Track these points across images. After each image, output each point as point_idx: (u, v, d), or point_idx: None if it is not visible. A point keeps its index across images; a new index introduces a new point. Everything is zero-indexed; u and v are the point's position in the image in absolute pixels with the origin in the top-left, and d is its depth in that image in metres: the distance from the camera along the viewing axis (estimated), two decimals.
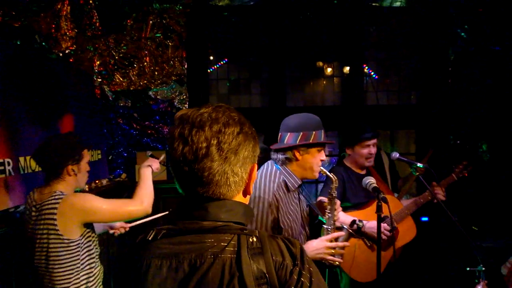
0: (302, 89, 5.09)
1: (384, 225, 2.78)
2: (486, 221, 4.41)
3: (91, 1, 4.46)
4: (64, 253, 1.94)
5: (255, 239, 0.97)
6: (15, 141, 2.90)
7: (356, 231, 2.78)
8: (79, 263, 1.99)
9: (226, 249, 0.95)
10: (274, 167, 2.13)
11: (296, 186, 2.12)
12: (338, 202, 2.15)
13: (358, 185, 2.92)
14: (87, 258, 2.04)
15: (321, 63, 5.12)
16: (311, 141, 2.07)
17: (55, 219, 1.92)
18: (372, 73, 5.13)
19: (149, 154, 3.68)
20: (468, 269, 2.44)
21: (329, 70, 5.14)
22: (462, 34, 4.71)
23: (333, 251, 2.01)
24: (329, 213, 2.12)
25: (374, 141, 2.98)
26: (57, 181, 2.06)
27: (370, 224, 2.77)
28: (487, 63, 4.67)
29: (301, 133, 2.08)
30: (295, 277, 0.94)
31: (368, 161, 2.98)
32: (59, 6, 4.26)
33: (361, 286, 2.88)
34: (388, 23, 4.96)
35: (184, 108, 4.64)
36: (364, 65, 5.08)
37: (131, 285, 1.00)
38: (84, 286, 2.02)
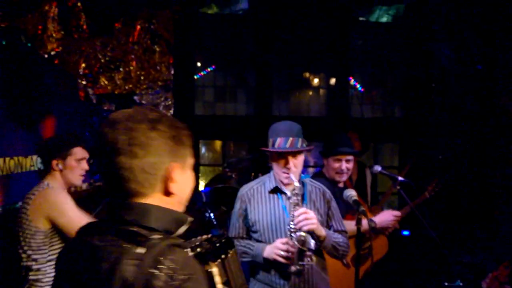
0: (288, 99, 5.13)
1: (390, 212, 2.84)
2: (465, 237, 4.47)
3: (79, 4, 4.44)
4: (32, 241, 2.01)
5: (141, 251, 0.96)
6: None
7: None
8: (46, 253, 2.04)
9: (112, 255, 0.98)
10: (270, 173, 2.29)
11: (271, 187, 2.24)
12: (302, 209, 2.10)
13: (336, 193, 2.91)
14: (51, 257, 2.04)
15: (307, 74, 5.17)
16: (269, 147, 2.18)
17: (29, 204, 2.02)
18: (358, 85, 5.19)
19: None
20: (446, 284, 2.46)
21: (315, 81, 5.19)
22: (446, 51, 4.81)
23: (282, 253, 2.05)
24: (291, 217, 2.13)
25: (350, 157, 2.78)
26: (46, 174, 2.14)
27: (381, 220, 2.79)
28: (469, 80, 4.77)
29: (270, 139, 2.20)
30: None
31: (339, 176, 2.80)
32: (46, 7, 4.23)
33: None
34: (374, 37, 5.05)
35: (169, 113, 4.63)
36: (350, 78, 5.14)
37: None
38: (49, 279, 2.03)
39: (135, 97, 4.59)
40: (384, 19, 4.80)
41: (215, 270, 1.06)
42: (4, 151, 2.95)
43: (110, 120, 1.04)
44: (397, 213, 2.82)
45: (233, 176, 3.76)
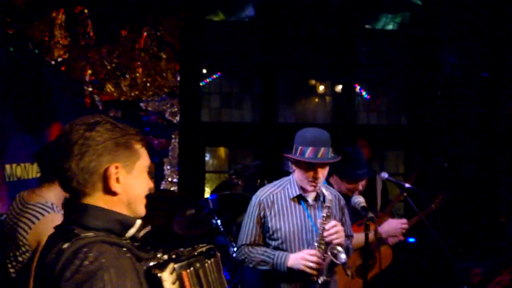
0: (294, 106, 5.13)
1: (397, 221, 2.79)
2: (472, 243, 4.45)
3: (86, 11, 4.46)
4: (23, 257, 1.88)
5: (65, 245, 1.04)
6: (2, 148, 2.85)
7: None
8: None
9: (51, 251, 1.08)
10: (290, 177, 2.25)
11: (294, 194, 2.20)
12: (333, 222, 2.12)
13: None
14: None
15: (313, 81, 5.18)
16: (297, 155, 2.14)
17: (30, 228, 1.87)
18: (364, 93, 5.19)
19: None
20: None
21: (321, 88, 5.19)
22: (451, 59, 4.82)
23: (311, 265, 2.05)
24: (321, 229, 2.13)
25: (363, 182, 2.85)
26: (49, 185, 1.96)
27: (387, 230, 2.75)
28: (475, 88, 4.77)
29: (299, 146, 2.16)
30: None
31: (351, 193, 2.78)
32: (54, 14, 4.25)
33: None
34: (380, 45, 5.06)
35: (175, 120, 4.63)
36: (356, 85, 5.15)
37: None
38: None
39: (141, 104, 4.59)
40: (390, 27, 4.81)
41: (164, 275, 1.07)
42: (11, 158, 2.95)
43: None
44: (404, 221, 2.79)
45: (240, 182, 3.76)
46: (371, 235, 2.52)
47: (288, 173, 4.22)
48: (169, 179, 4.57)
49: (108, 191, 1.11)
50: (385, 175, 3.11)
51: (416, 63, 5.05)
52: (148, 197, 1.21)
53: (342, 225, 2.25)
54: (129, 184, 1.14)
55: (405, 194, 3.07)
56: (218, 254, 1.28)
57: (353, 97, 5.10)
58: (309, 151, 2.11)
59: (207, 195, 4.82)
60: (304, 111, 5.13)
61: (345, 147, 3.02)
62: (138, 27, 4.58)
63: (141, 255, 1.11)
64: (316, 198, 2.25)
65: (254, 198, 2.23)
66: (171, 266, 1.09)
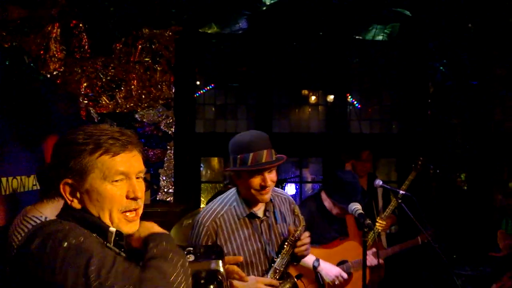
0: (287, 116, 5.19)
1: (340, 271, 2.62)
2: (464, 249, 4.49)
3: (81, 25, 4.51)
4: None
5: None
6: None
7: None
8: None
9: None
10: (234, 192, 1.98)
11: (243, 214, 1.92)
12: (303, 247, 1.94)
13: (328, 222, 2.89)
14: None
15: (306, 91, 5.25)
16: (237, 166, 1.87)
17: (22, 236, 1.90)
18: (355, 102, 5.27)
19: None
20: None
21: (313, 98, 5.27)
22: (441, 68, 4.92)
23: None
24: (284, 254, 1.95)
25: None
26: (47, 201, 2.02)
27: (327, 269, 2.60)
28: (465, 96, 4.87)
29: (232, 157, 1.91)
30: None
31: (341, 216, 2.84)
32: (49, 28, 4.29)
33: None
34: (371, 55, 5.15)
35: (170, 132, 4.66)
36: (348, 94, 5.23)
37: None
38: None
39: (136, 116, 4.62)
40: (380, 38, 4.91)
41: None
42: (6, 171, 2.95)
43: None
44: (345, 275, 2.63)
45: None
46: (309, 260, 2.45)
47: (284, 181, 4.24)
48: (165, 190, 4.58)
49: (77, 198, 1.09)
50: (379, 182, 3.15)
51: (406, 72, 5.15)
52: (144, 207, 1.13)
53: (295, 229, 2.03)
54: (86, 199, 1.08)
55: (399, 201, 3.11)
56: (224, 283, 1.17)
57: (346, 106, 5.17)
58: (251, 158, 1.82)
59: (203, 205, 4.85)
60: (298, 120, 5.20)
61: (344, 172, 3.00)
62: (133, 40, 4.63)
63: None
64: (266, 211, 1.98)
65: (196, 224, 1.90)
66: None
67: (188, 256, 1.16)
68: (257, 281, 1.83)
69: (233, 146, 1.91)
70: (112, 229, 1.07)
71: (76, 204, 1.09)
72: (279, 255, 1.94)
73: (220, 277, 1.16)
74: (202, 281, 1.12)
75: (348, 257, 2.95)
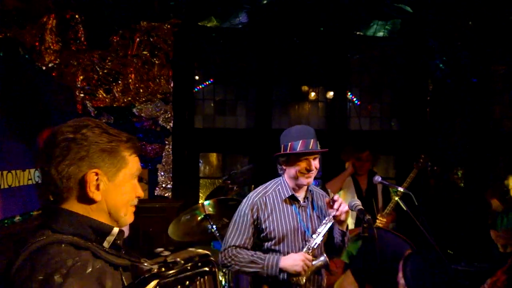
0: (287, 112, 5.15)
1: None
2: (460, 245, 4.51)
3: (77, 16, 4.42)
4: None
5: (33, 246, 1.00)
6: None
7: None
8: None
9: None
10: (281, 178, 2.29)
11: (286, 195, 2.23)
12: (341, 207, 2.15)
13: None
14: None
15: (306, 88, 5.21)
16: (288, 151, 2.17)
17: None
18: (355, 99, 5.25)
19: None
20: None
21: (313, 94, 5.24)
22: (441, 65, 4.91)
23: (305, 268, 2.10)
24: (318, 234, 2.20)
25: None
26: None
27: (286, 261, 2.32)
28: (464, 94, 4.86)
29: (283, 144, 2.22)
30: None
31: None
32: (44, 19, 4.20)
33: None
34: (371, 52, 5.13)
35: (168, 126, 4.60)
36: (348, 91, 5.20)
37: None
38: None
39: (134, 110, 4.55)
40: (381, 34, 4.88)
41: None
42: (1, 164, 2.88)
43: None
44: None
45: (235, 188, 3.75)
46: None
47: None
48: (163, 185, 4.53)
49: (86, 197, 1.07)
50: (378, 178, 3.17)
51: (406, 69, 5.13)
52: (142, 203, 1.19)
53: (326, 218, 2.31)
54: (111, 192, 1.09)
55: (397, 198, 3.13)
56: (215, 270, 1.16)
57: (345, 103, 5.15)
58: (300, 144, 2.16)
59: (201, 200, 4.79)
60: (298, 117, 5.16)
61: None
62: (131, 33, 4.55)
63: (118, 261, 1.06)
64: (306, 198, 2.29)
65: (246, 200, 2.25)
66: (153, 283, 1.01)
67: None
68: (302, 255, 2.13)
69: (284, 135, 2.23)
70: (116, 229, 1.10)
71: (97, 196, 1.07)
72: (313, 236, 2.20)
73: (212, 259, 1.18)
74: (199, 264, 1.12)
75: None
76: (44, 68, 4.21)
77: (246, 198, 2.27)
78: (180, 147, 4.65)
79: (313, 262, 2.16)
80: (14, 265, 0.97)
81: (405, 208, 3.07)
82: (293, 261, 2.11)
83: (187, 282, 1.08)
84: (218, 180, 4.94)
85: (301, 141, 2.16)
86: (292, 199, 2.26)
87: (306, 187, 2.29)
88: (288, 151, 2.18)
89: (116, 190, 1.11)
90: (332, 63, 5.00)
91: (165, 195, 4.52)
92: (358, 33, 4.89)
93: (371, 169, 4.02)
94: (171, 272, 1.05)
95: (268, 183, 2.32)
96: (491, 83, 4.90)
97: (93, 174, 1.06)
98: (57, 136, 1.05)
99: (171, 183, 4.53)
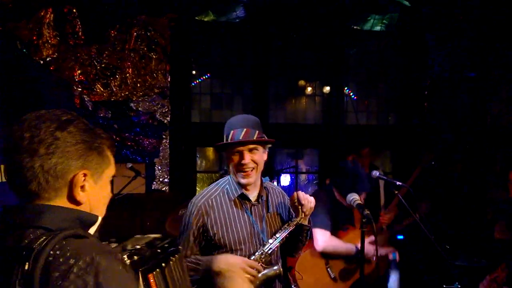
0: (284, 107, 5.15)
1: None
2: (458, 240, 4.52)
3: (74, 10, 4.42)
4: None
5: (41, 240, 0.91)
6: None
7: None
8: None
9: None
10: (229, 176, 2.01)
11: (235, 195, 1.94)
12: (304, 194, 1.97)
13: (340, 213, 2.97)
14: None
15: (303, 82, 5.21)
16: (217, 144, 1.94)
17: None
18: (351, 94, 5.25)
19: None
20: (444, 286, 2.49)
21: (310, 89, 5.24)
22: (439, 59, 4.90)
23: (248, 276, 1.81)
24: (275, 239, 1.95)
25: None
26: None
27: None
28: (462, 88, 4.86)
29: (224, 134, 1.96)
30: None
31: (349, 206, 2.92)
32: (42, 13, 4.20)
33: None
34: (368, 46, 5.13)
35: (166, 121, 4.61)
36: (344, 86, 5.20)
37: None
38: None
39: (132, 104, 4.56)
40: (378, 28, 4.87)
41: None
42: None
43: (21, 118, 1.00)
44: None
45: None
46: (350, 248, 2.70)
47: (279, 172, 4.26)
48: (160, 179, 4.55)
49: (71, 199, 1.01)
50: (376, 173, 3.16)
51: (403, 63, 5.13)
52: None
53: (290, 215, 2.09)
54: (94, 194, 1.05)
55: (396, 192, 3.13)
56: (180, 247, 1.23)
57: (342, 97, 5.15)
58: (231, 134, 1.90)
59: None
60: (295, 111, 5.16)
61: (346, 162, 3.06)
62: (128, 27, 4.55)
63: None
64: (259, 197, 2.01)
65: (189, 206, 1.95)
66: (156, 270, 1.05)
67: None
68: (242, 261, 1.85)
69: (225, 126, 1.97)
70: (100, 218, 1.08)
71: (82, 198, 1.02)
72: (269, 240, 1.94)
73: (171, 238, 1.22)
74: (166, 245, 1.16)
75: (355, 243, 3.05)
76: (41, 62, 4.22)
77: (190, 203, 1.96)
78: (177, 141, 4.66)
79: (264, 271, 1.87)
80: (35, 271, 0.88)
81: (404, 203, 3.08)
82: (226, 264, 1.80)
83: (163, 264, 1.09)
84: (215, 174, 4.96)
85: (232, 131, 1.90)
86: (243, 199, 1.97)
87: (259, 184, 2.00)
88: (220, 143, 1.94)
89: (99, 192, 1.07)
90: (329, 57, 5.00)
91: (162, 189, 4.54)
92: (355, 27, 4.88)
93: (372, 163, 4.03)
94: (146, 257, 1.07)
95: (214, 183, 2.03)
96: (489, 78, 4.90)
97: (81, 175, 1.01)
98: (40, 131, 0.97)
99: (168, 177, 4.55)
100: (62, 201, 1.00)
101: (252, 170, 1.91)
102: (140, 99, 4.56)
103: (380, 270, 2.97)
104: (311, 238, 2.79)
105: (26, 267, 0.88)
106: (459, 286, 2.49)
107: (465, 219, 4.73)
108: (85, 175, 1.02)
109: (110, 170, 1.10)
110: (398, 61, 5.17)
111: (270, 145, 2.02)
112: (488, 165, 4.91)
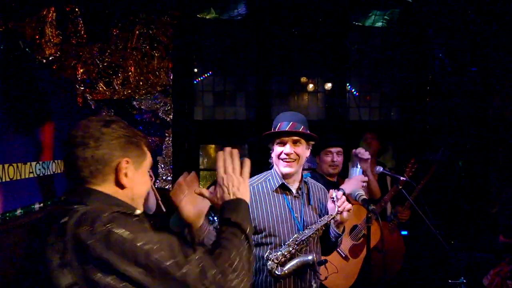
0: (287, 103, 5.16)
1: (361, 177, 2.75)
2: (462, 235, 4.53)
3: (77, 9, 4.43)
4: None
5: (64, 219, 1.10)
6: None
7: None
8: None
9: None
10: (273, 168, 2.17)
11: (276, 185, 2.09)
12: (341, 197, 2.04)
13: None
14: None
15: (305, 78, 5.21)
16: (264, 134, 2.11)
17: None
18: (353, 90, 5.25)
19: None
20: (450, 281, 2.49)
21: (313, 85, 5.24)
22: (440, 54, 4.89)
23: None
24: (311, 229, 2.04)
25: (338, 149, 3.12)
26: None
27: (348, 186, 2.64)
28: (464, 82, 4.86)
29: (272, 127, 2.14)
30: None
31: (332, 168, 3.12)
32: (44, 12, 4.20)
33: None
34: (370, 42, 5.12)
35: (168, 119, 4.62)
36: (347, 82, 5.20)
37: None
38: None
39: (134, 103, 4.57)
40: (379, 24, 4.87)
41: None
42: (2, 158, 2.91)
43: (76, 123, 1.24)
44: (364, 178, 2.81)
45: None
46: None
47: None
48: (163, 177, 4.56)
49: (117, 183, 1.22)
50: (380, 168, 3.18)
51: (405, 59, 5.13)
52: None
53: (324, 217, 2.16)
54: (136, 180, 1.25)
55: (400, 187, 3.15)
56: None
57: (345, 93, 5.15)
58: (278, 126, 2.08)
59: None
60: (297, 107, 5.16)
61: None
62: (130, 26, 4.56)
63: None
64: (299, 189, 2.14)
65: None
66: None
67: None
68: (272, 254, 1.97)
69: (273, 122, 2.17)
70: (138, 211, 1.26)
71: (126, 182, 1.22)
72: (305, 231, 2.04)
73: None
74: None
75: (356, 222, 3.17)
76: (44, 61, 4.22)
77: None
78: (180, 139, 4.67)
79: (298, 259, 1.98)
80: (68, 225, 1.08)
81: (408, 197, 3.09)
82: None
83: None
84: None
85: (279, 123, 2.09)
86: (283, 189, 2.12)
87: (300, 177, 2.15)
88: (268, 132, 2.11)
89: (139, 179, 1.26)
90: (331, 53, 5.00)
91: (166, 187, 4.55)
92: (356, 23, 4.87)
93: (378, 159, 4.04)
94: None
95: (259, 174, 2.19)
96: (490, 73, 4.89)
97: (124, 162, 1.21)
98: (90, 128, 1.20)
99: (171, 175, 4.56)
100: (109, 186, 1.21)
101: (293, 161, 2.04)
102: (142, 97, 4.57)
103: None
104: None
105: (64, 219, 1.10)
106: (464, 281, 2.49)
107: (468, 214, 4.73)
108: (127, 162, 1.22)
109: (148, 162, 1.31)
110: (400, 56, 5.17)
111: (313, 143, 2.14)
112: (490, 159, 4.90)
